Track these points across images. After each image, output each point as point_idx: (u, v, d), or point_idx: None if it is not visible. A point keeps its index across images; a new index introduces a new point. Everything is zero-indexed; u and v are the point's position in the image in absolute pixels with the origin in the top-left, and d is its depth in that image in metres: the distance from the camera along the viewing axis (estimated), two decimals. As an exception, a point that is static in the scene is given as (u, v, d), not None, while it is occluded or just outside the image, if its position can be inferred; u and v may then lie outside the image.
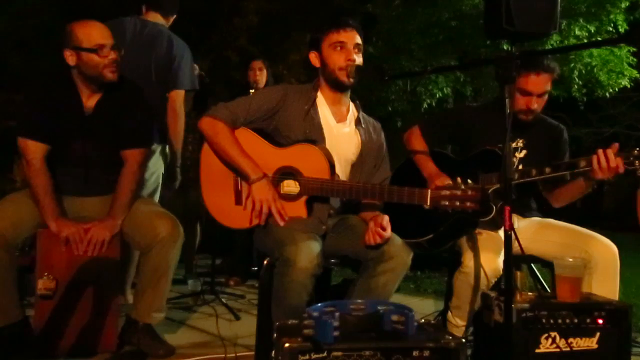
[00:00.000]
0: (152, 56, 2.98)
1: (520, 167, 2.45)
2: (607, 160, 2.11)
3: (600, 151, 2.13)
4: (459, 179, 1.97)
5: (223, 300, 3.32)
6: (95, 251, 2.23)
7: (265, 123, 2.20)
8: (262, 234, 2.16)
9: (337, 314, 1.51)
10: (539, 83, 2.37)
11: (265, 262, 2.13)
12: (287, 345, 1.46)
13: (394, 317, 1.53)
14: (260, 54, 5.55)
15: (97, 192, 2.40)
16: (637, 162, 2.04)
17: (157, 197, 2.96)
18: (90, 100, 2.33)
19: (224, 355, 2.40)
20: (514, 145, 2.48)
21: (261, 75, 4.08)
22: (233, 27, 9.06)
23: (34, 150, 2.26)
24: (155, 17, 3.10)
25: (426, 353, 1.49)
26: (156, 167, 2.95)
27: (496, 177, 2.33)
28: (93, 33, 2.25)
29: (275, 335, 1.55)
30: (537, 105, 2.41)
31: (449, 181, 2.26)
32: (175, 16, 3.23)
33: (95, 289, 2.28)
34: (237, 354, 2.43)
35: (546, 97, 2.44)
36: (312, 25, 2.35)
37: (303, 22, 7.66)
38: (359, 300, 1.67)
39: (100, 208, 2.35)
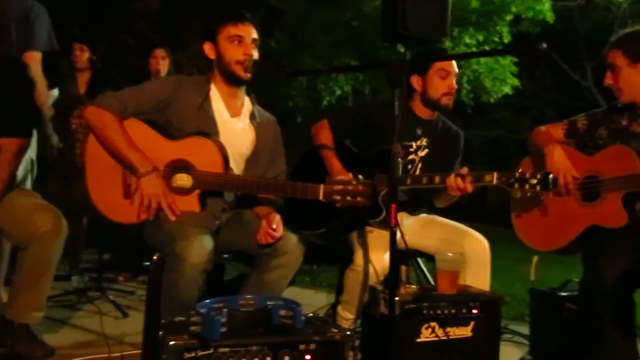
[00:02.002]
0: None
1: (420, 165, 2.55)
2: (457, 184, 2.18)
3: (452, 177, 2.20)
4: (350, 175, 2.02)
5: (110, 297, 3.19)
6: None
7: (157, 115, 2.14)
8: (152, 228, 2.09)
9: (225, 310, 1.51)
10: (453, 63, 2.51)
11: (155, 257, 2.07)
12: (172, 342, 1.43)
13: (282, 312, 1.56)
14: (161, 42, 5.34)
15: None
16: (516, 184, 2.05)
17: (28, 185, 2.75)
18: None
19: (108, 355, 2.30)
20: (418, 143, 2.57)
21: (164, 64, 3.95)
22: (132, 11, 8.66)
23: None
24: None
25: (312, 346, 1.53)
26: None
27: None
28: None
29: (161, 332, 1.52)
30: (456, 85, 2.53)
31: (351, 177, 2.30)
32: None
33: (-37, 287, 2.09)
34: (123, 353, 2.34)
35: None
36: (215, 14, 2.31)
37: (205, 11, 7.49)
38: (249, 296, 1.68)
39: None
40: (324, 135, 2.56)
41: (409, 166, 2.56)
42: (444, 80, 2.49)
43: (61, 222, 2.19)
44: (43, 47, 2.80)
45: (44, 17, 2.82)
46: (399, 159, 2.35)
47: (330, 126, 2.58)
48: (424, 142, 2.58)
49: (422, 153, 2.58)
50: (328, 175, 2.46)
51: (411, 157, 2.56)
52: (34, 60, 2.78)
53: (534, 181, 2.00)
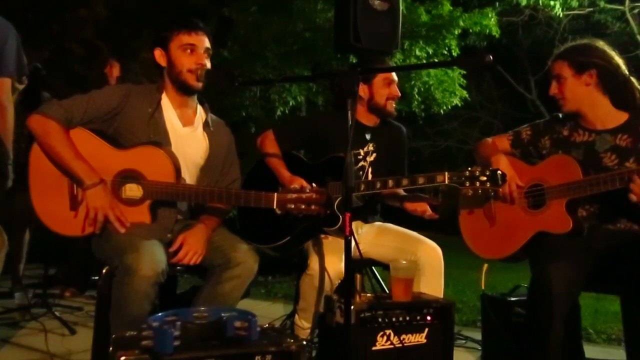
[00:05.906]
0: None
1: (371, 170, 2.59)
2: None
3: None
4: (304, 182, 2.02)
5: (57, 313, 3.06)
6: None
7: (105, 124, 2.08)
8: (101, 240, 2.03)
9: (178, 323, 1.47)
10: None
11: (104, 270, 2.00)
12: (123, 358, 1.38)
13: (237, 324, 1.52)
14: (107, 49, 5.22)
15: None
16: (467, 182, 2.11)
17: None
18: None
19: (54, 374, 2.21)
20: (365, 149, 2.61)
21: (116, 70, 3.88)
22: (79, 18, 8.43)
23: None
24: None
25: (268, 357, 1.50)
26: None
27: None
28: None
29: (111, 348, 1.46)
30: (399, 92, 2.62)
31: (303, 183, 2.31)
32: None
33: None
34: (70, 371, 2.25)
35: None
36: (168, 21, 2.28)
37: (156, 20, 7.37)
38: (203, 308, 1.64)
39: None
40: (270, 146, 2.58)
41: (360, 172, 2.59)
42: (388, 87, 2.59)
43: (2, 235, 2.09)
44: (12, 73, 2.69)
45: (15, 40, 2.70)
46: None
47: (276, 137, 2.60)
48: (371, 147, 2.63)
49: (370, 158, 2.62)
50: (280, 184, 2.45)
51: (361, 164, 2.59)
52: (3, 86, 2.64)
53: (484, 178, 2.09)
